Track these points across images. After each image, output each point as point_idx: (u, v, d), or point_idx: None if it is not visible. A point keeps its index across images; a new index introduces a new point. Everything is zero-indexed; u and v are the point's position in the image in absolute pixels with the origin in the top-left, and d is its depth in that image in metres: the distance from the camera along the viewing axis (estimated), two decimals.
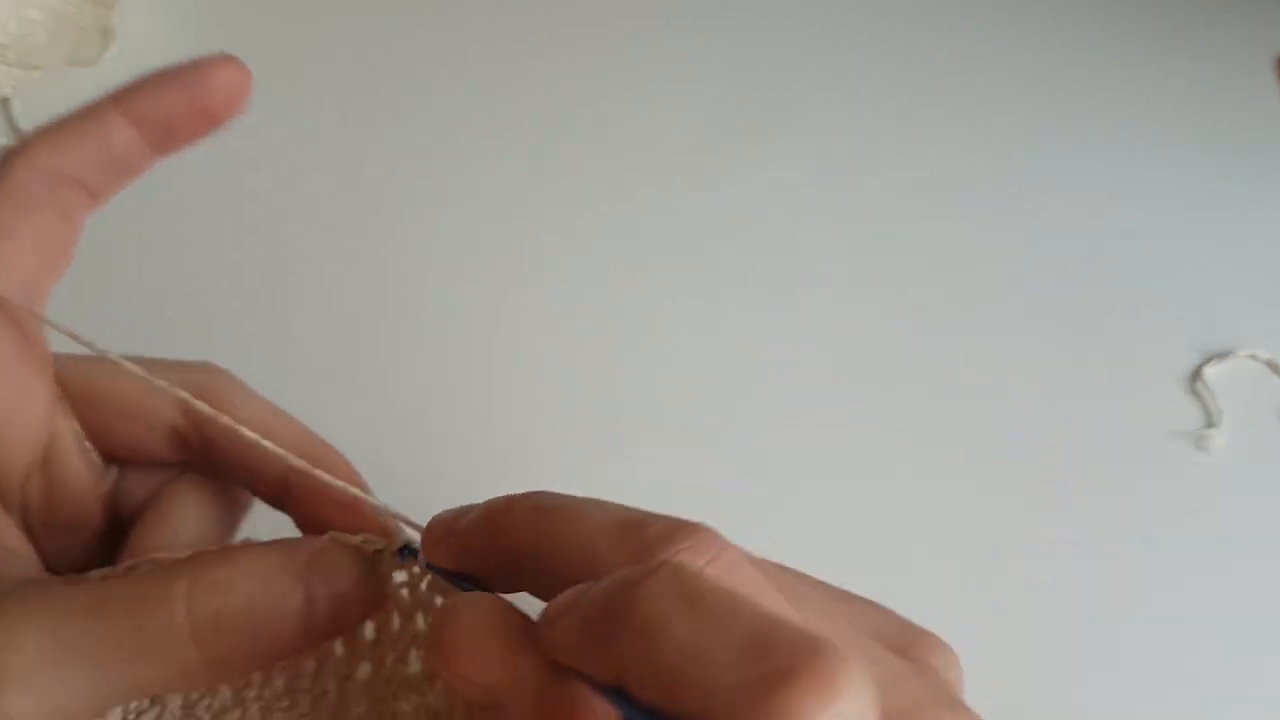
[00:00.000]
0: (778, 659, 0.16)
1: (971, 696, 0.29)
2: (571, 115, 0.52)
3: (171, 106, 0.28)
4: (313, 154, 0.51)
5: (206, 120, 0.29)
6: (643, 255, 0.49)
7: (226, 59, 0.28)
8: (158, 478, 0.30)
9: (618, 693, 0.17)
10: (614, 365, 0.46)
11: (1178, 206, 0.51)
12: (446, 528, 0.25)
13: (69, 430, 0.29)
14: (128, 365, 0.27)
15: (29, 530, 0.28)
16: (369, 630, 0.26)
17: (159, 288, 0.47)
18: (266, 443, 0.27)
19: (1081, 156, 0.52)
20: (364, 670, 0.26)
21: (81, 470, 0.29)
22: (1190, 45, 0.55)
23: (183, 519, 0.29)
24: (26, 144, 0.28)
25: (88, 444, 0.29)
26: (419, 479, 0.42)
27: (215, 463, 0.30)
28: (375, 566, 0.26)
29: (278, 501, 0.29)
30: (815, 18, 0.55)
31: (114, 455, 0.30)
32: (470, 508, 0.25)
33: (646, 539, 0.20)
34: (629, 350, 0.47)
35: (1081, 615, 0.42)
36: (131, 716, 0.26)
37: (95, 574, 0.25)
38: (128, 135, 0.28)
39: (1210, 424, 0.45)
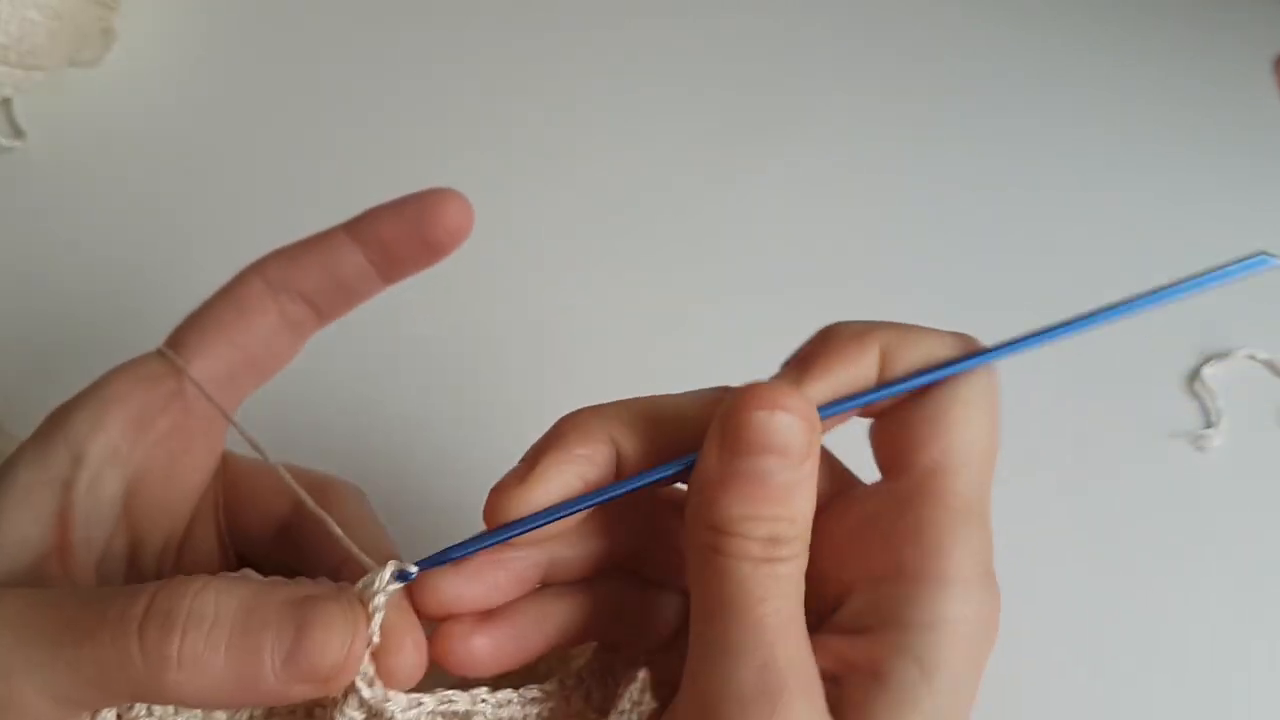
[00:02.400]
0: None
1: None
2: (580, 114, 0.52)
3: (399, 236, 0.29)
4: (314, 154, 0.51)
5: (431, 252, 0.30)
6: (651, 254, 0.49)
7: (453, 195, 0.30)
8: None
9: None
10: (620, 364, 0.46)
11: (1177, 206, 0.51)
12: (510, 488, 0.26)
13: (212, 519, 0.31)
14: (284, 474, 0.29)
15: None
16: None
17: (159, 286, 0.47)
18: (352, 546, 0.27)
19: (1081, 156, 0.52)
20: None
21: (215, 560, 0.31)
22: (1189, 45, 0.55)
23: None
24: (263, 257, 0.30)
25: (225, 539, 0.31)
26: (420, 479, 0.43)
27: (301, 564, 0.31)
28: (364, 616, 0.25)
29: None
30: (823, 20, 0.55)
31: (235, 547, 0.32)
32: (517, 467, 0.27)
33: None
34: (635, 349, 0.47)
35: (1080, 614, 0.42)
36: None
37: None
38: (355, 260, 0.30)
39: (1209, 424, 0.46)
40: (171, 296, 0.46)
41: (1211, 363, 0.47)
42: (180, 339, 0.29)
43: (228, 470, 0.31)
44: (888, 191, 0.51)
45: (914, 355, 0.27)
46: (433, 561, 0.26)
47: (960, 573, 0.25)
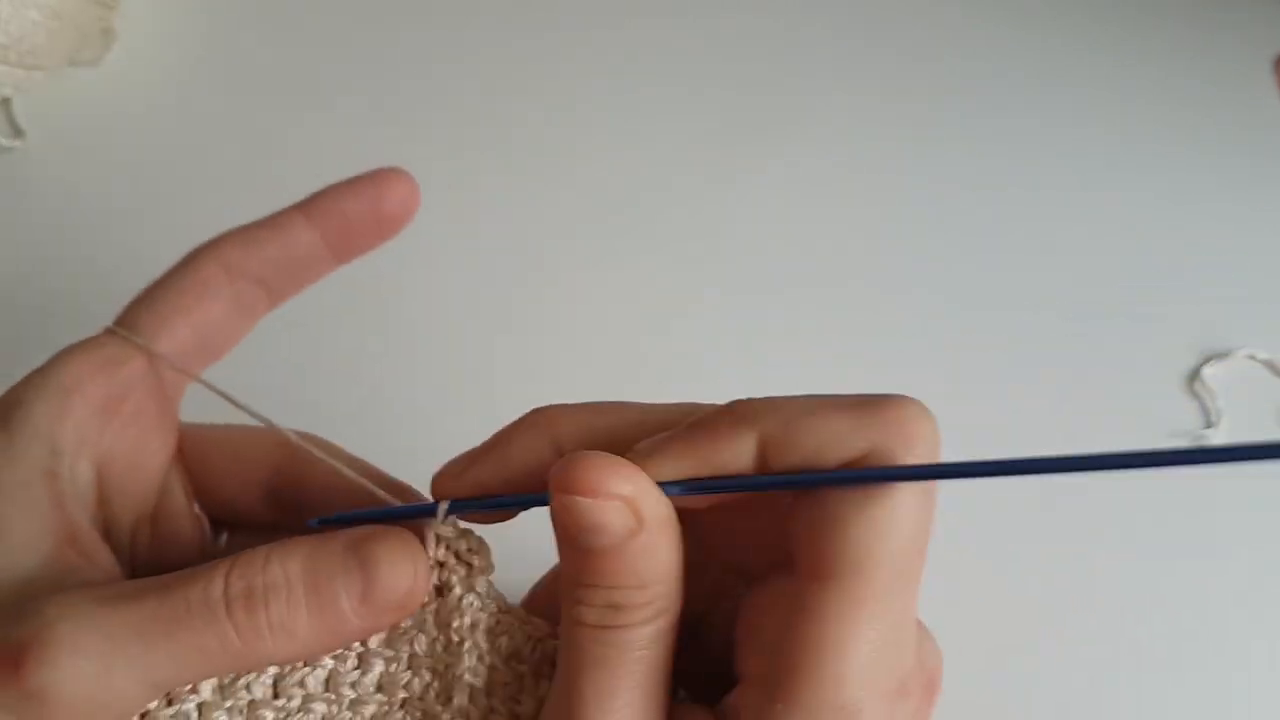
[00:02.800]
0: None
1: (970, 695, 0.30)
2: (579, 114, 0.52)
3: (350, 213, 0.30)
4: (314, 153, 0.51)
5: (381, 227, 0.31)
6: (650, 253, 0.49)
7: (398, 171, 0.31)
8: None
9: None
10: (621, 364, 0.46)
11: (1177, 207, 0.51)
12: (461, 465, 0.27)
13: (180, 491, 0.31)
14: (290, 434, 0.29)
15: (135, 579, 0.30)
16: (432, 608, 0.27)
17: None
18: (371, 486, 0.29)
19: (1081, 156, 0.52)
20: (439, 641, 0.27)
21: (188, 530, 0.31)
22: (1189, 45, 0.55)
23: None
24: (219, 237, 0.31)
25: (197, 508, 0.31)
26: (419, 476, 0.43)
27: (303, 521, 0.31)
28: (417, 541, 0.26)
29: None
30: (822, 20, 0.55)
31: (223, 517, 0.32)
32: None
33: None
34: (636, 349, 0.47)
35: (1079, 614, 0.42)
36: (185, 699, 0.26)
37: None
38: (309, 239, 0.30)
39: (1209, 424, 0.46)
40: None
41: (1211, 363, 0.47)
42: (134, 319, 0.29)
43: (194, 443, 0.31)
44: (887, 191, 0.51)
45: (800, 449, 0.23)
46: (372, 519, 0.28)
47: (819, 697, 0.23)
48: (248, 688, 0.26)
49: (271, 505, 0.32)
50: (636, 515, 0.23)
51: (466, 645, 0.27)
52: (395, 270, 0.48)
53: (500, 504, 0.27)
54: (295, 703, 0.27)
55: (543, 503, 0.26)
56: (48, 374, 0.28)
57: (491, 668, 0.27)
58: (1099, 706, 0.41)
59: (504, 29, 0.54)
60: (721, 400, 0.40)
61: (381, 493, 0.28)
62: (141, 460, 0.30)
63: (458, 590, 0.27)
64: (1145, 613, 0.42)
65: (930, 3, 0.56)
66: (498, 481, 0.27)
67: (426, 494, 0.29)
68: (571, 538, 0.24)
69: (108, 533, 0.29)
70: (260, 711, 0.26)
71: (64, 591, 0.25)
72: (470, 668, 0.27)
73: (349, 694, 0.27)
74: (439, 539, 0.27)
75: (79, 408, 0.28)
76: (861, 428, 0.23)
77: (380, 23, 0.54)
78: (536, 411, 0.28)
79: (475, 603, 0.27)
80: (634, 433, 0.26)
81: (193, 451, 0.31)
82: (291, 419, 0.30)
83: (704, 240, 0.49)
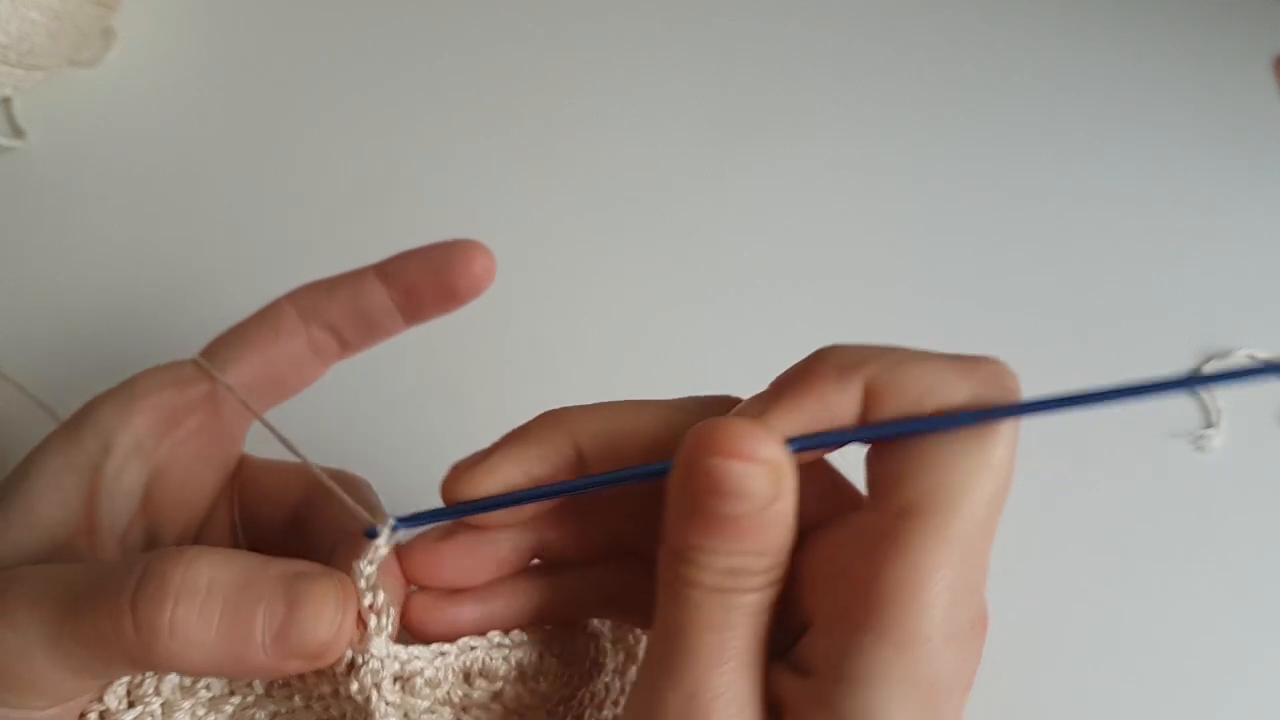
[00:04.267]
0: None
1: (970, 695, 0.29)
2: (578, 113, 0.52)
3: (424, 282, 0.31)
4: (314, 153, 0.51)
5: (451, 298, 0.32)
6: (650, 253, 0.49)
7: (478, 247, 0.31)
8: None
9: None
10: (620, 363, 0.46)
11: (1176, 207, 0.51)
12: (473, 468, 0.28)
13: (227, 516, 0.32)
14: (315, 468, 0.30)
15: None
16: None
17: (160, 285, 0.47)
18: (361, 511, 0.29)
19: (1080, 156, 0.52)
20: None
21: None
22: (1189, 45, 0.55)
23: None
24: (298, 288, 0.32)
25: (240, 535, 0.32)
26: (416, 475, 0.43)
27: (305, 549, 0.32)
28: (354, 595, 0.26)
29: None
30: (821, 19, 0.55)
31: (255, 544, 0.33)
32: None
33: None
34: (635, 348, 0.47)
35: (1078, 614, 0.42)
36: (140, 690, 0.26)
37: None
38: (382, 299, 0.31)
39: (1209, 424, 0.46)
40: (172, 295, 0.46)
41: (1212, 362, 0.47)
42: (213, 350, 0.31)
43: (245, 471, 0.33)
44: (886, 192, 0.51)
45: (905, 395, 0.24)
46: (411, 522, 0.28)
47: (908, 631, 0.23)
48: (207, 686, 0.27)
49: (289, 534, 0.32)
50: (778, 482, 0.23)
51: (374, 702, 0.26)
52: None
53: (513, 501, 0.27)
54: (251, 698, 0.27)
55: (552, 495, 0.26)
56: (128, 383, 0.30)
57: (409, 709, 0.27)
58: (1097, 707, 0.41)
59: (505, 29, 0.54)
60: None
61: (357, 508, 0.28)
62: (195, 475, 0.30)
63: (349, 654, 0.26)
64: (1144, 613, 0.42)
65: (929, 4, 0.56)
66: (525, 479, 0.27)
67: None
68: (707, 502, 0.23)
69: (151, 540, 0.30)
70: (222, 705, 0.26)
71: (23, 568, 0.25)
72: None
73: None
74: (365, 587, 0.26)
75: (142, 415, 0.29)
76: (964, 376, 0.24)
77: (380, 23, 0.54)
78: (552, 413, 0.28)
79: (375, 665, 0.26)
80: (652, 428, 0.26)
81: (243, 477, 0.33)
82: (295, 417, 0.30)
83: (703, 239, 0.50)
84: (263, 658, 0.24)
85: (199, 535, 0.31)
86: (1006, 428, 0.24)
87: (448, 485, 0.27)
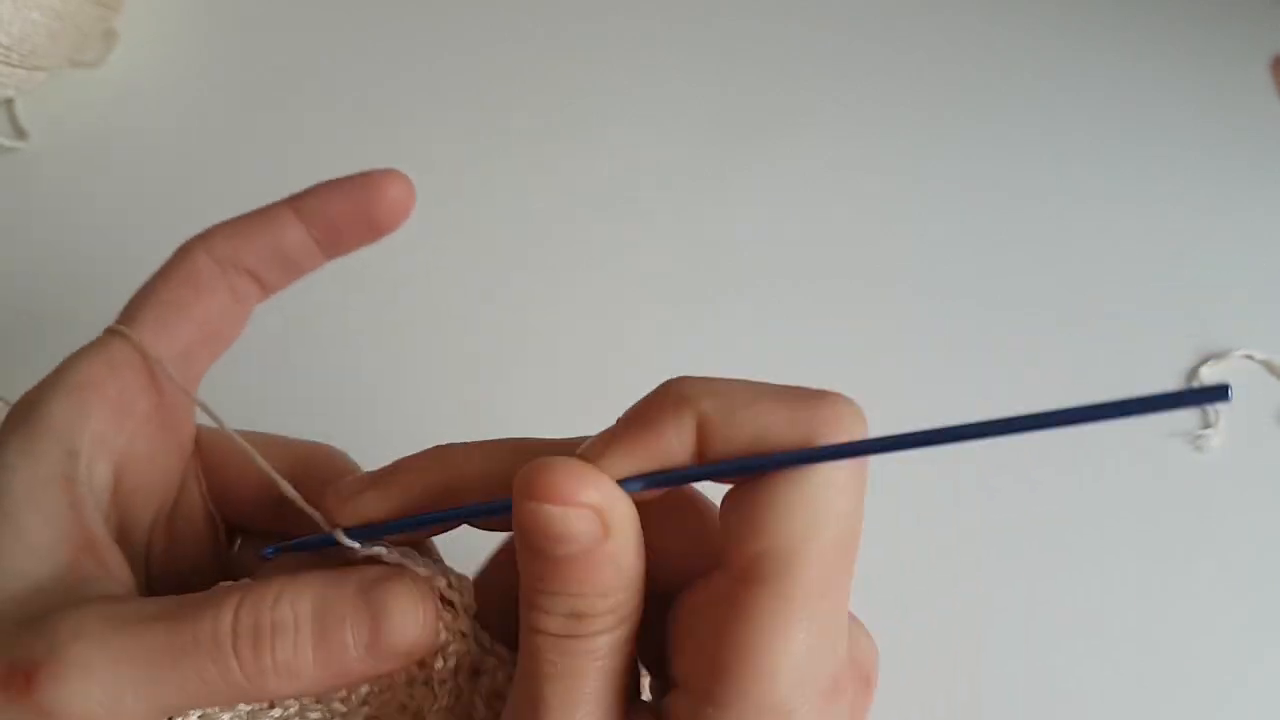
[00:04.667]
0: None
1: (969, 695, 0.30)
2: (578, 113, 0.52)
3: (341, 213, 0.30)
4: (315, 153, 0.51)
5: (371, 228, 0.31)
6: (650, 252, 0.49)
7: (394, 173, 0.30)
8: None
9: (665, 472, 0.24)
10: (619, 362, 0.46)
11: (1175, 207, 0.51)
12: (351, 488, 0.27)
13: (197, 492, 0.31)
14: (239, 441, 0.29)
15: (150, 579, 0.30)
16: (439, 661, 0.27)
17: None
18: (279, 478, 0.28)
19: (1080, 156, 0.52)
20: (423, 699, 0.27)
21: (203, 530, 0.31)
22: (1189, 45, 0.55)
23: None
24: (206, 231, 0.31)
25: (213, 509, 0.32)
26: None
27: (303, 529, 0.31)
28: (430, 590, 0.26)
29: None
30: (821, 19, 0.55)
31: (233, 521, 0.32)
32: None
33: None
34: (634, 347, 0.47)
35: (1077, 614, 0.42)
36: None
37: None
38: (299, 234, 0.30)
39: (1207, 424, 0.46)
40: None
41: (1209, 362, 0.47)
42: (135, 317, 0.29)
43: (216, 446, 0.32)
44: (884, 192, 0.51)
45: (739, 434, 0.23)
46: (295, 547, 0.28)
47: (756, 703, 0.22)
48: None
49: (280, 513, 0.31)
50: (604, 523, 0.23)
51: (448, 686, 0.26)
52: (396, 267, 0.48)
53: (400, 528, 0.27)
54: (292, 710, 0.27)
55: (442, 520, 0.26)
56: (62, 375, 0.28)
57: (470, 706, 0.27)
58: (1096, 707, 0.41)
59: (505, 29, 0.54)
60: None
61: (314, 512, 0.28)
62: (159, 460, 0.30)
63: (442, 634, 0.26)
64: (1143, 613, 0.42)
65: (929, 4, 0.56)
66: (385, 514, 0.27)
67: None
68: (535, 545, 0.23)
69: (124, 531, 0.29)
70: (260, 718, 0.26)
71: (78, 607, 0.25)
72: (445, 708, 0.27)
73: (340, 708, 0.27)
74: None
75: (96, 412, 0.28)
76: (798, 420, 0.23)
77: (380, 23, 0.54)
78: (440, 449, 0.27)
79: (459, 646, 0.27)
80: (482, 472, 0.26)
81: (211, 455, 0.32)
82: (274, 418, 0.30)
83: (703, 239, 0.50)
84: (360, 668, 0.25)
85: (172, 518, 0.31)
86: (843, 472, 0.22)
87: (324, 505, 0.27)
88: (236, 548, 0.32)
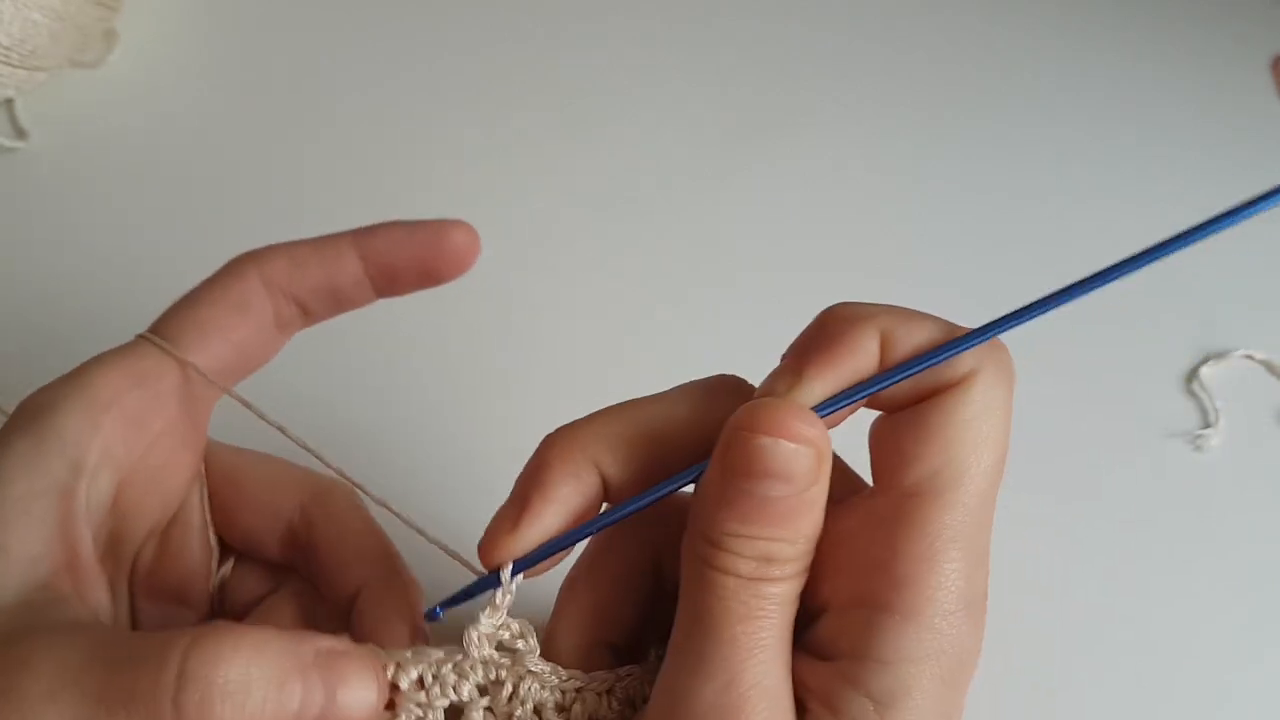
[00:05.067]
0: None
1: (968, 695, 0.30)
2: (578, 113, 0.52)
3: (403, 258, 0.30)
4: (315, 154, 0.51)
5: (430, 278, 0.30)
6: (650, 252, 0.49)
7: (462, 225, 0.30)
8: (267, 585, 0.32)
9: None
10: (621, 362, 0.46)
11: (1175, 207, 0.51)
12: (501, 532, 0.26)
13: (199, 510, 0.31)
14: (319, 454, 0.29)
15: (133, 591, 0.30)
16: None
17: (160, 286, 0.47)
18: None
19: (1080, 156, 0.52)
20: None
21: (197, 550, 0.31)
22: (1189, 45, 0.55)
23: (278, 621, 0.31)
24: (262, 249, 0.30)
25: (211, 531, 0.31)
26: (423, 483, 0.43)
27: (309, 566, 0.31)
28: (384, 672, 0.26)
29: (343, 616, 0.30)
30: (821, 18, 0.55)
31: (234, 543, 0.32)
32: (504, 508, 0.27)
33: None
34: (635, 347, 0.47)
35: (1077, 615, 0.42)
36: None
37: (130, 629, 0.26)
38: (355, 271, 0.30)
39: (1207, 424, 0.46)
40: (171, 296, 0.46)
41: (1210, 362, 0.47)
42: (173, 328, 0.29)
43: (225, 465, 0.31)
44: (885, 192, 0.51)
45: (915, 338, 0.25)
46: (453, 602, 0.27)
47: (930, 606, 0.24)
48: None
49: (287, 544, 0.31)
50: (819, 464, 0.24)
51: None
52: None
53: (558, 546, 0.26)
54: None
55: (599, 527, 0.26)
56: (82, 384, 0.27)
57: None
58: (1096, 707, 0.41)
59: (505, 29, 0.54)
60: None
61: (463, 558, 0.28)
62: (165, 477, 0.29)
63: (508, 683, 0.26)
64: (1143, 613, 0.42)
65: (929, 4, 0.56)
66: (563, 523, 0.26)
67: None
68: (749, 484, 0.23)
69: (116, 542, 0.29)
70: None
71: (36, 636, 0.24)
72: None
73: None
74: (478, 636, 0.26)
75: (110, 425, 0.27)
76: (955, 329, 0.25)
77: (380, 23, 0.54)
78: (558, 438, 0.27)
79: (533, 685, 0.26)
80: (667, 426, 0.26)
81: (222, 473, 0.31)
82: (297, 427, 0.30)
83: (703, 239, 0.50)
84: None
85: (168, 531, 0.30)
86: (1001, 400, 0.25)
87: (487, 552, 0.26)
88: (229, 570, 0.32)
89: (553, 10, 0.55)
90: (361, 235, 0.30)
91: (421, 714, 0.26)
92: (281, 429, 0.29)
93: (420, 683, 0.26)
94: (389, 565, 0.30)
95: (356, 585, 0.30)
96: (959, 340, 0.25)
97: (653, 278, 0.48)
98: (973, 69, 0.54)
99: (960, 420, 0.24)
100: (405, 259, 0.30)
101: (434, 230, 0.30)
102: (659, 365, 0.46)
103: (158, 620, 0.30)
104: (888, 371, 0.25)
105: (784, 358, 0.26)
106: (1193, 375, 0.47)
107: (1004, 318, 0.26)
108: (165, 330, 0.29)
